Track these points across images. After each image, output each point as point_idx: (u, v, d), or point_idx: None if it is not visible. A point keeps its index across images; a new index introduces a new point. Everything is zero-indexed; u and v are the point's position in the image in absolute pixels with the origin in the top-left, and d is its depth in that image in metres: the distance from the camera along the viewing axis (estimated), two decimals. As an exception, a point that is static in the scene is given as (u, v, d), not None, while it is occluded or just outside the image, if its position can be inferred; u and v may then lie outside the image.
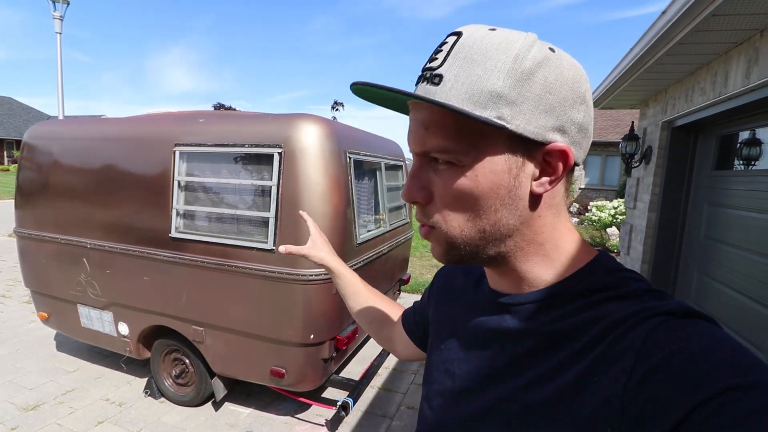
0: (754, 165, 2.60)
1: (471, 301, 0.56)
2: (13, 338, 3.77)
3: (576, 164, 0.44)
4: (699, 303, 2.85)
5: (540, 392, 0.41)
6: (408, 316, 0.76)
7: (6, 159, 26.91)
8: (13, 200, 3.13)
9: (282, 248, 0.83)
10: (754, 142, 2.62)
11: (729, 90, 2.20)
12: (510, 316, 0.47)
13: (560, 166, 0.43)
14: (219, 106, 26.92)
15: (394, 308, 0.84)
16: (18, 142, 28.10)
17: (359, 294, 0.84)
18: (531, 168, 0.43)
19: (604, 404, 0.36)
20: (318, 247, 0.86)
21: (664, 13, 2.00)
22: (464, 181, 0.42)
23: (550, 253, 0.46)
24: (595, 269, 0.45)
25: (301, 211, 0.95)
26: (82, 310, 2.89)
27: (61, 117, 8.56)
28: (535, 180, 0.43)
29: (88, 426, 2.56)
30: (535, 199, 0.44)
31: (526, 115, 0.40)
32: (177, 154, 2.36)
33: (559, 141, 0.42)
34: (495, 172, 0.42)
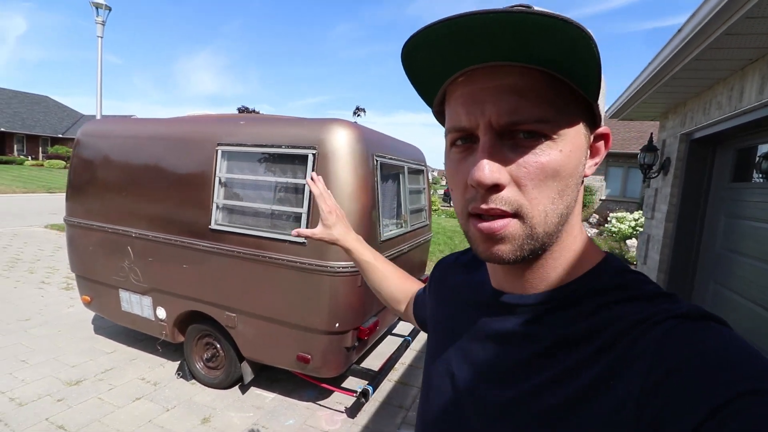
0: (772, 178, 2.65)
1: (471, 299, 0.54)
2: (54, 321, 4.05)
3: None
4: (714, 311, 2.90)
5: (552, 398, 0.40)
6: (418, 302, 0.76)
7: (41, 155, 28.14)
8: (65, 192, 3.40)
9: (294, 231, 0.86)
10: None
11: (744, 104, 2.28)
12: (515, 318, 0.46)
13: (603, 150, 0.44)
14: (243, 109, 27.72)
15: (408, 282, 0.84)
16: (53, 139, 29.39)
17: (376, 270, 0.85)
18: (588, 149, 0.43)
19: (619, 409, 0.35)
20: (328, 227, 0.84)
21: (679, 31, 2.11)
22: (558, 157, 0.38)
23: (570, 251, 0.45)
24: (604, 270, 0.44)
25: (308, 177, 0.90)
26: (124, 295, 3.13)
27: (99, 117, 9.02)
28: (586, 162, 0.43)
29: (126, 401, 2.78)
30: (581, 185, 0.43)
31: (600, 94, 0.40)
32: (219, 152, 2.57)
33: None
34: (579, 148, 0.41)
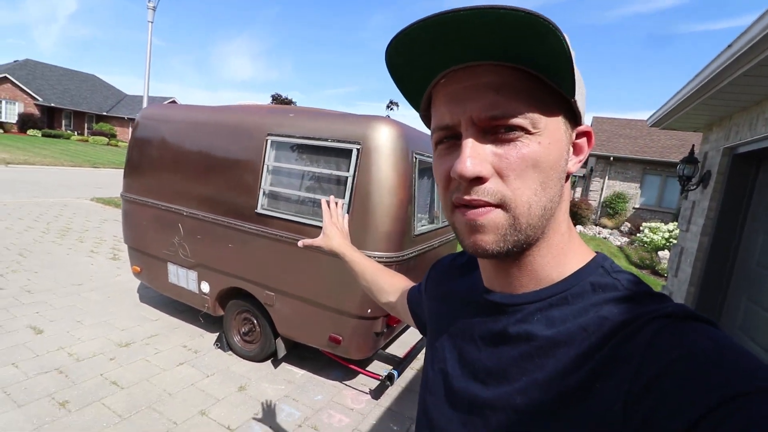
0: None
1: (464, 299, 0.55)
2: (104, 287, 4.39)
3: None
4: (745, 329, 2.88)
5: (541, 398, 0.40)
6: (412, 299, 0.79)
7: (86, 131, 29.64)
8: (123, 169, 3.68)
9: (300, 243, 0.97)
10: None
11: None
12: (505, 318, 0.47)
13: (586, 148, 0.45)
14: (277, 96, 28.13)
15: (396, 278, 0.91)
16: (98, 117, 30.88)
17: (365, 271, 0.92)
18: (569, 146, 0.44)
19: (608, 411, 0.35)
20: (329, 237, 0.95)
21: (729, 46, 2.11)
22: (538, 149, 0.40)
23: (557, 248, 0.45)
24: (594, 270, 0.45)
25: (323, 199, 1.03)
26: (172, 268, 3.38)
27: (145, 98, 9.48)
28: (570, 159, 0.44)
29: (170, 364, 3.03)
30: (565, 180, 0.45)
31: (578, 92, 0.41)
32: (269, 142, 2.75)
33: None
34: (560, 141, 0.42)
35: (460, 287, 0.58)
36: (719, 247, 3.19)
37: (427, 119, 0.48)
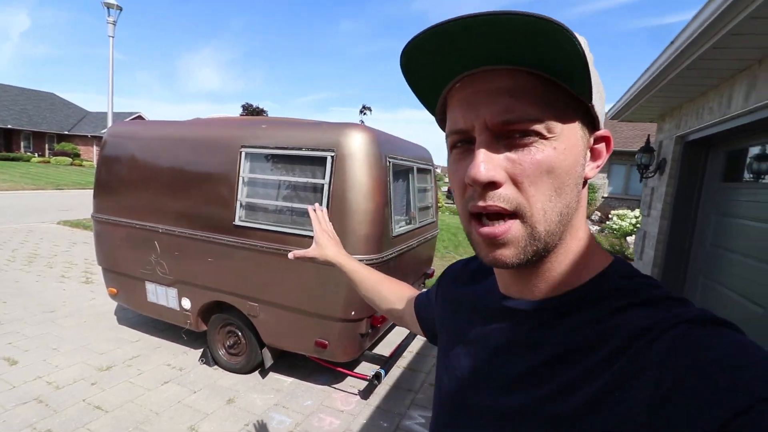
0: (763, 178, 2.83)
1: (478, 305, 0.54)
2: (77, 313, 4.26)
3: None
4: (703, 305, 3.09)
5: (560, 407, 0.39)
6: (420, 303, 0.77)
7: (47, 152, 28.43)
8: (90, 189, 3.60)
9: (290, 255, 0.93)
10: (764, 157, 2.86)
11: (732, 111, 2.46)
12: (522, 325, 0.46)
13: (605, 153, 0.45)
14: (248, 106, 27.77)
15: (399, 286, 0.88)
16: (59, 136, 29.66)
17: (365, 281, 0.89)
18: (586, 151, 0.43)
19: (630, 417, 0.34)
20: (322, 247, 0.91)
21: (672, 43, 2.29)
22: (553, 154, 0.39)
23: (575, 254, 0.45)
24: (612, 275, 0.44)
25: (309, 207, 0.98)
26: (150, 287, 3.33)
27: (110, 115, 9.23)
28: (587, 164, 0.43)
29: (155, 384, 2.99)
30: (583, 187, 0.44)
31: (596, 96, 0.41)
32: (243, 154, 2.77)
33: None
34: (576, 146, 0.41)
35: (474, 293, 0.57)
36: (677, 229, 3.41)
37: (442, 123, 0.48)
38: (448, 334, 0.59)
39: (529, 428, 0.41)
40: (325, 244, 0.92)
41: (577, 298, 0.43)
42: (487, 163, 0.39)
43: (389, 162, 2.77)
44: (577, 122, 0.41)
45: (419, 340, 3.99)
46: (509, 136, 0.40)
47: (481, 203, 0.40)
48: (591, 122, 0.43)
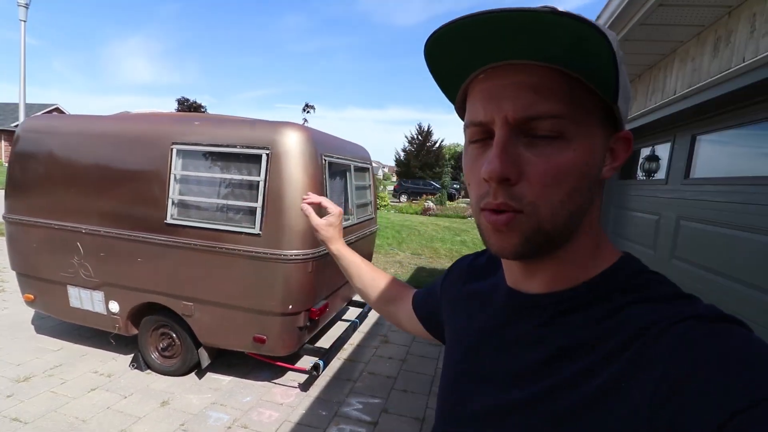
0: (653, 176, 3.30)
1: (486, 300, 0.54)
2: (-12, 323, 3.89)
3: None
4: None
5: (564, 401, 0.39)
6: (419, 301, 0.76)
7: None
8: (2, 188, 3.32)
9: (303, 205, 0.90)
10: (653, 158, 3.32)
11: (631, 112, 2.86)
12: (529, 319, 0.46)
13: (623, 153, 0.43)
14: (184, 101, 26.24)
15: (395, 284, 0.87)
16: (-42, 130, 26.11)
17: (363, 274, 0.87)
18: (606, 152, 0.43)
19: (633, 413, 0.34)
20: (330, 224, 0.88)
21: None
22: (570, 156, 0.39)
23: (585, 249, 0.44)
24: (620, 271, 0.44)
25: (302, 205, 0.92)
26: (72, 291, 3.15)
27: (22, 106, 8.40)
28: (605, 165, 0.43)
29: (81, 392, 2.85)
30: (599, 187, 0.43)
31: (621, 96, 0.40)
32: (174, 151, 2.72)
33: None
34: (594, 149, 0.41)
35: (481, 288, 0.57)
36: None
37: (461, 111, 0.47)
38: (455, 328, 0.59)
39: (530, 424, 0.41)
40: (333, 222, 0.89)
41: (583, 293, 0.43)
42: (503, 159, 0.39)
43: (325, 160, 2.86)
44: (599, 123, 0.41)
45: (359, 333, 4.12)
46: (529, 133, 0.39)
47: (493, 201, 0.40)
48: (613, 122, 0.42)
